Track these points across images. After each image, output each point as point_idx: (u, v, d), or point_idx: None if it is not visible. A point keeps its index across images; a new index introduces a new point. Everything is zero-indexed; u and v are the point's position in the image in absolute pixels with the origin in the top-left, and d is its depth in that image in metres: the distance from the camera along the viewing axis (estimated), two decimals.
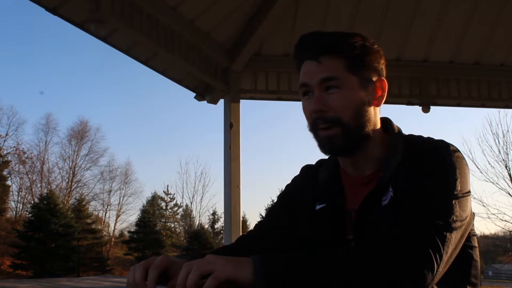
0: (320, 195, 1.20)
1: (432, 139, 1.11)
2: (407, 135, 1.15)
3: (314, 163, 1.31)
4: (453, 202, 0.98)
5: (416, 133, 1.16)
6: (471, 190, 1.07)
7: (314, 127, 1.09)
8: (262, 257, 0.87)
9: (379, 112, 1.14)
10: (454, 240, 0.96)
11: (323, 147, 1.10)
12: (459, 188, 1.00)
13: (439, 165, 1.02)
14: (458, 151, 1.07)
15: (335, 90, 1.06)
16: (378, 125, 1.14)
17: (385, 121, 1.18)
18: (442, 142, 1.08)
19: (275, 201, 1.35)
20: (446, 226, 0.94)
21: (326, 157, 1.23)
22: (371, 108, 1.10)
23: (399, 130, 1.16)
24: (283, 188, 1.35)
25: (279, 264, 0.87)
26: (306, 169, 1.31)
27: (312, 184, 1.24)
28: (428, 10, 4.26)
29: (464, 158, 1.07)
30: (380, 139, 1.14)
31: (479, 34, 4.42)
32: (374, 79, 1.11)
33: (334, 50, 1.07)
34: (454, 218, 0.96)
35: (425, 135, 1.14)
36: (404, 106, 4.78)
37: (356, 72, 1.07)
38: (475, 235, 1.15)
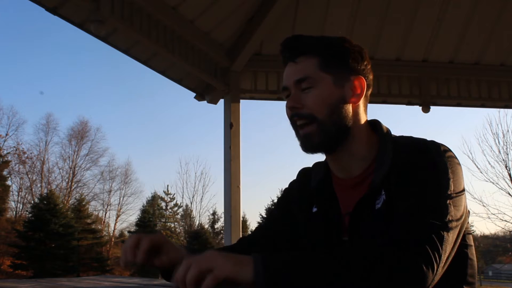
0: (315, 198, 1.22)
1: (423, 139, 1.11)
2: (397, 136, 1.15)
3: (311, 165, 1.32)
4: (448, 202, 0.98)
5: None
6: (465, 188, 1.07)
7: (293, 125, 1.13)
8: (262, 256, 0.87)
9: (361, 110, 1.15)
10: (451, 239, 0.96)
11: (303, 145, 1.13)
12: (452, 188, 1.01)
13: (431, 166, 1.02)
14: (450, 150, 1.08)
15: (309, 89, 1.10)
16: (361, 123, 1.15)
17: (374, 123, 1.19)
18: (432, 142, 1.09)
19: (274, 204, 1.37)
20: (443, 226, 0.95)
21: (323, 159, 1.24)
22: (348, 106, 1.12)
23: (388, 131, 1.16)
24: (282, 191, 1.37)
25: (279, 263, 0.86)
26: (303, 172, 1.33)
27: (309, 187, 1.25)
28: (428, 10, 4.26)
29: (455, 157, 1.07)
30: (365, 138, 1.14)
31: (479, 34, 4.42)
32: (352, 77, 1.12)
33: (309, 50, 1.11)
34: (450, 218, 0.97)
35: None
36: (404, 106, 4.79)
37: (330, 70, 1.10)
38: (471, 233, 1.14)
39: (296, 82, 1.10)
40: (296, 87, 1.11)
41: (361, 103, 1.15)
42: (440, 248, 0.92)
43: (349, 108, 1.12)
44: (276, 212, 1.32)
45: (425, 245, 0.91)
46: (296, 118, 1.11)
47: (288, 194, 1.32)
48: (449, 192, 1.00)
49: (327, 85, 1.09)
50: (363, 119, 1.15)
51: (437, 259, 0.91)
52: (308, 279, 0.85)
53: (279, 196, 1.36)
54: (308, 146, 1.12)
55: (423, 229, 0.93)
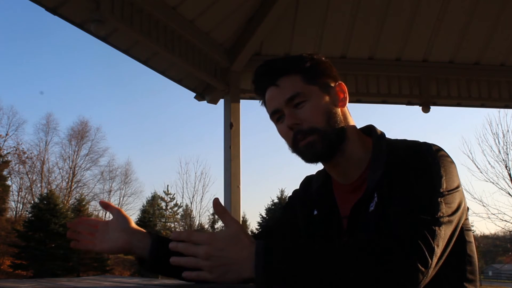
0: (316, 202, 1.25)
1: (416, 141, 1.14)
2: (391, 140, 1.18)
3: (314, 173, 1.36)
4: (439, 200, 1.00)
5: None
6: (460, 184, 1.09)
7: (294, 143, 1.14)
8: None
9: (348, 113, 1.21)
10: (444, 234, 0.98)
11: (305, 156, 1.14)
12: (444, 186, 1.03)
13: (423, 166, 1.05)
14: (442, 149, 1.10)
15: (303, 104, 1.13)
16: (351, 124, 1.19)
17: (368, 128, 1.23)
18: (424, 143, 1.12)
19: (276, 205, 1.40)
20: (434, 221, 0.97)
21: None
22: (338, 110, 1.17)
23: (382, 134, 1.20)
24: (287, 199, 1.41)
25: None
26: (306, 179, 1.37)
27: (310, 192, 1.29)
28: (428, 10, 4.26)
29: (448, 156, 1.10)
30: (359, 140, 1.18)
31: (479, 34, 4.42)
32: (332, 84, 1.19)
33: (288, 70, 1.15)
34: (441, 214, 0.99)
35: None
36: (404, 106, 4.79)
37: (314, 81, 1.15)
38: (470, 230, 1.15)
39: (287, 101, 1.13)
40: (288, 106, 1.14)
41: (346, 106, 1.20)
42: (432, 242, 0.94)
43: (339, 112, 1.17)
44: (280, 216, 1.37)
45: (417, 240, 0.92)
46: (299, 135, 1.12)
47: (292, 200, 1.36)
48: (441, 190, 1.02)
49: (317, 95, 1.14)
50: (351, 121, 1.20)
51: (430, 253, 0.92)
52: (308, 273, 0.86)
53: (285, 203, 1.40)
54: (310, 156, 1.14)
55: (414, 225, 0.95)
